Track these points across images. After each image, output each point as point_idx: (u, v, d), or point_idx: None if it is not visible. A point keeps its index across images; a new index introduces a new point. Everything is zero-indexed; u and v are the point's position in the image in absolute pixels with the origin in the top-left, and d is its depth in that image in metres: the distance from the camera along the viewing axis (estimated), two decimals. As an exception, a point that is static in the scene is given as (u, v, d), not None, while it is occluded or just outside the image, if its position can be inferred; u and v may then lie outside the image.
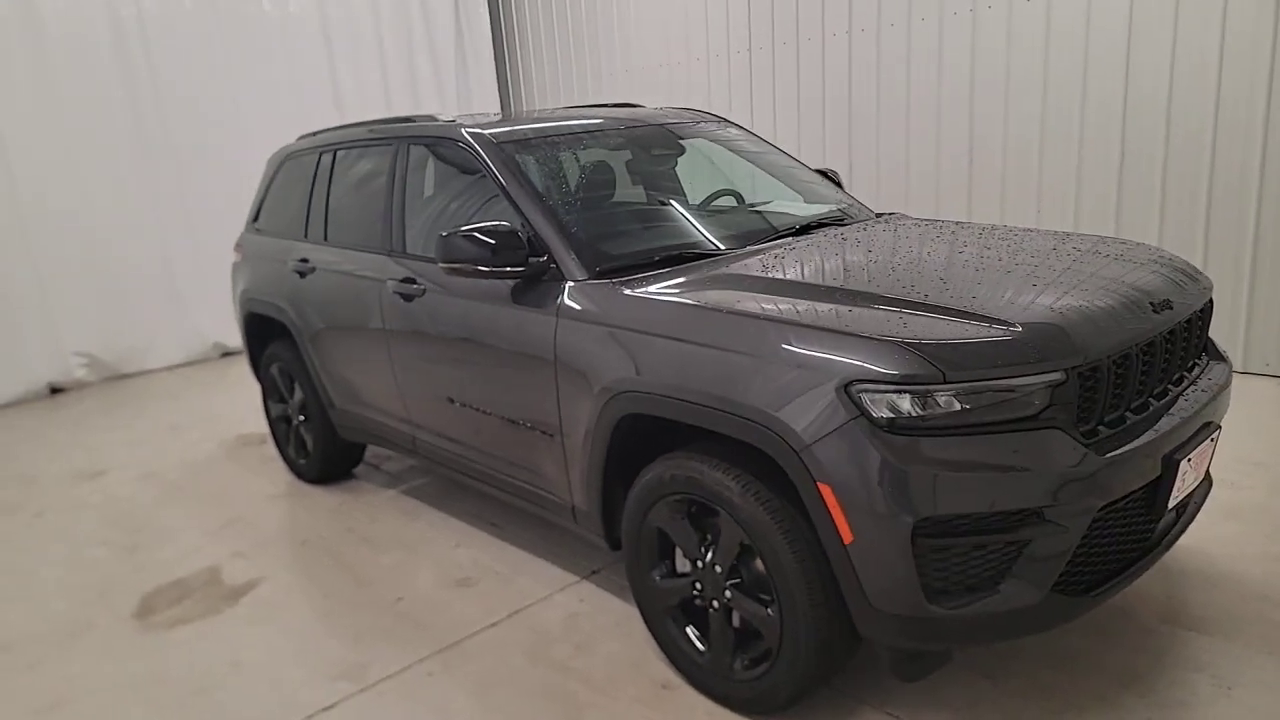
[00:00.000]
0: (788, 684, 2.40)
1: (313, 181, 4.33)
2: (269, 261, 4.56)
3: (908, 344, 2.09)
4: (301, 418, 4.58)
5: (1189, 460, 2.34)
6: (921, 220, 3.54)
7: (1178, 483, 2.31)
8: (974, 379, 2.05)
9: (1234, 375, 2.77)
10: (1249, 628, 2.79)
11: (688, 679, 2.71)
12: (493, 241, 2.86)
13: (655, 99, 7.28)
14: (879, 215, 3.68)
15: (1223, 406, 2.60)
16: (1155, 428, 2.28)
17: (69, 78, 6.91)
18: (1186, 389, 2.51)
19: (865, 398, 2.09)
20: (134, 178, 7.29)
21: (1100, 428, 2.20)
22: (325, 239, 4.20)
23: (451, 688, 2.83)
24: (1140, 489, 2.26)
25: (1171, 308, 2.43)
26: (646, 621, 2.81)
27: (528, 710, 2.68)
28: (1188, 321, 2.52)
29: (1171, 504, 2.35)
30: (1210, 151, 5.05)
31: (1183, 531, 2.59)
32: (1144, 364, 2.33)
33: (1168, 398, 2.43)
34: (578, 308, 2.80)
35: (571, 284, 2.86)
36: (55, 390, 7.13)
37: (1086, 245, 2.88)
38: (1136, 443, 2.20)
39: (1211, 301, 2.74)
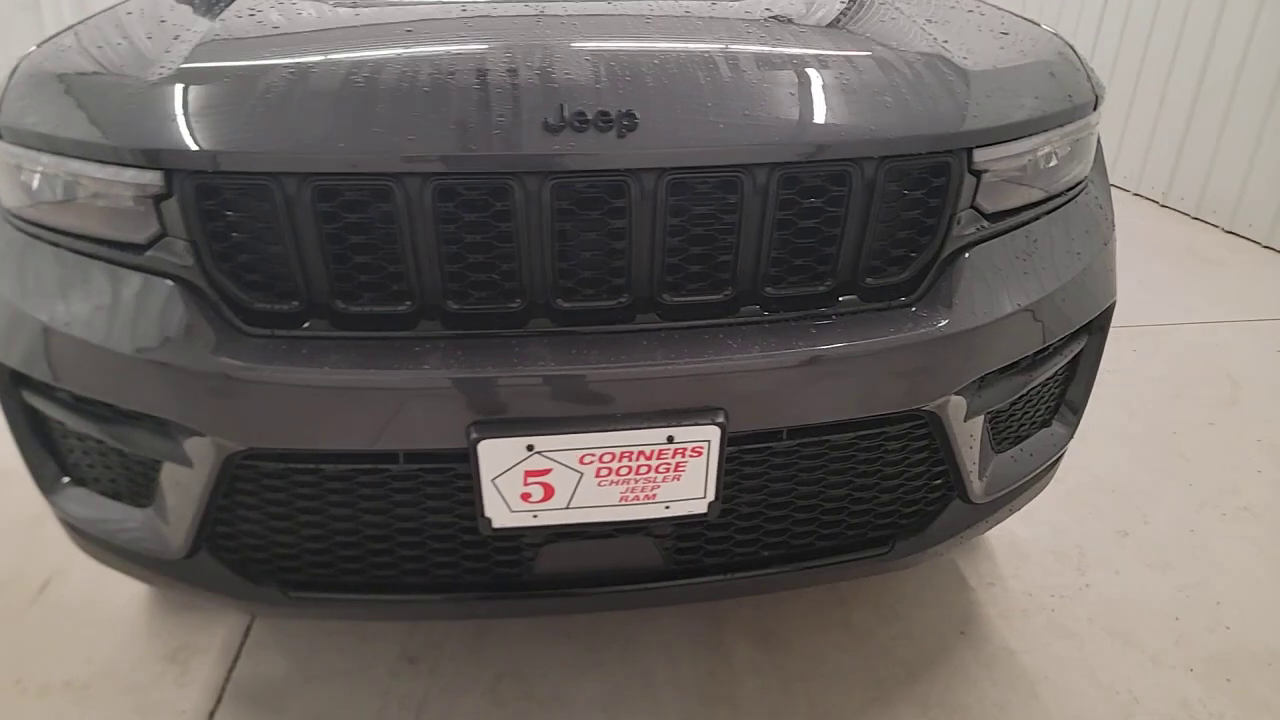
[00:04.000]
0: None
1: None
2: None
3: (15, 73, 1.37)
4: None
5: (544, 451, 1.22)
6: None
7: (495, 479, 1.23)
8: (28, 144, 1.27)
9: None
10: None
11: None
12: None
13: None
14: None
15: (785, 390, 1.27)
16: (492, 359, 1.20)
17: None
18: (737, 325, 1.28)
19: None
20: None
21: (321, 321, 1.22)
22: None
23: None
24: (425, 464, 1.28)
25: (632, 127, 1.15)
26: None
27: None
28: (725, 180, 1.21)
29: (514, 523, 1.27)
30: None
31: (703, 594, 1.49)
32: (462, 216, 1.19)
33: (623, 325, 1.26)
34: None
35: None
36: None
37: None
38: (378, 371, 1.18)
39: (946, 165, 1.28)
